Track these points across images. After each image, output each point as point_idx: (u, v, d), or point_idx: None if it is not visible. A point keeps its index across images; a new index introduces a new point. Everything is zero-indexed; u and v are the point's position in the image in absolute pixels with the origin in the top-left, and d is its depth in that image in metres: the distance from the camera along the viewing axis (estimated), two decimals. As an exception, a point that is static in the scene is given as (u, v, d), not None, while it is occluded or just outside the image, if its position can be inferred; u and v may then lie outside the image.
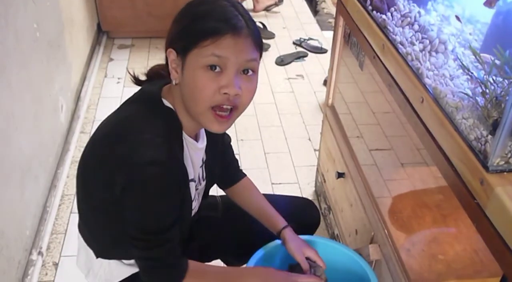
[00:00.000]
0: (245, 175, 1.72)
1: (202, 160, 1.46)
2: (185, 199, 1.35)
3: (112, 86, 3.63)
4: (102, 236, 1.43)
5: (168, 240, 1.28)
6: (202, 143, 1.42)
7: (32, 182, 2.29)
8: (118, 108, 1.34)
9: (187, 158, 1.33)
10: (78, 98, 3.33)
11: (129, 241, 1.29)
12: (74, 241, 2.33)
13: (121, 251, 1.42)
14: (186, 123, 1.30)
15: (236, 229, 1.70)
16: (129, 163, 1.18)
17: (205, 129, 1.42)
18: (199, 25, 1.18)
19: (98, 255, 1.45)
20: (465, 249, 1.67)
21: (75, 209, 2.50)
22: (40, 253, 2.23)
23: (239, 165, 1.75)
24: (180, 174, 1.26)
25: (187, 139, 1.32)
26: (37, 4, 2.50)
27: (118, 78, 3.72)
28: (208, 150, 1.47)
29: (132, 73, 1.41)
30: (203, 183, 1.51)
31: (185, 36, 1.20)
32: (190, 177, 1.35)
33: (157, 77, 1.39)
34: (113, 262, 1.44)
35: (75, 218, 2.47)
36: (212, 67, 1.18)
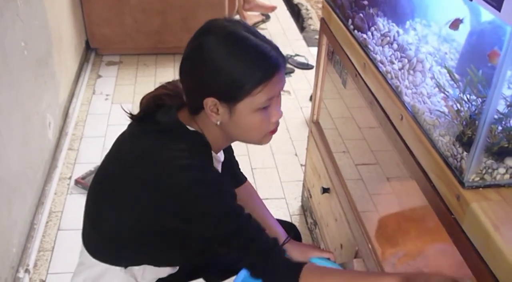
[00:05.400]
0: (246, 179, 1.76)
1: None
2: None
3: (100, 103, 3.65)
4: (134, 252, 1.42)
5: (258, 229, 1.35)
6: (222, 156, 1.50)
7: (19, 199, 2.29)
8: (133, 142, 1.35)
9: None
10: (66, 115, 3.34)
11: (230, 254, 1.34)
12: (61, 258, 2.35)
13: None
14: (214, 143, 1.35)
15: None
16: (178, 191, 1.22)
17: None
18: (246, 76, 1.20)
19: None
20: (450, 263, 1.69)
21: (63, 226, 2.52)
22: (27, 270, 2.24)
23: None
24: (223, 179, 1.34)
25: (214, 156, 1.37)
26: (25, 23, 2.52)
27: (106, 95, 3.74)
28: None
29: (127, 111, 1.40)
30: None
31: (233, 88, 1.21)
32: None
33: (154, 108, 1.38)
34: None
35: (62, 235, 2.48)
36: (264, 107, 1.26)
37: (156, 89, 1.41)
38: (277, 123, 1.33)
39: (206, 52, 1.21)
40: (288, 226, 1.85)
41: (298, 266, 1.34)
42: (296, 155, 3.20)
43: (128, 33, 4.17)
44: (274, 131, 1.34)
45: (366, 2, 1.65)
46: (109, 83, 3.92)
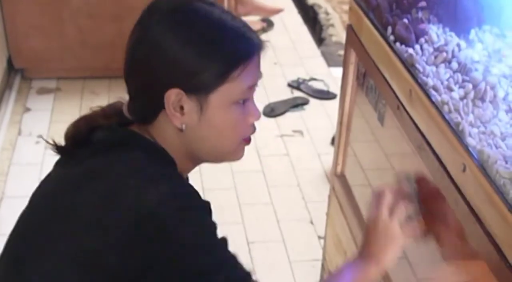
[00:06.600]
0: None
1: None
2: None
3: (29, 148, 3.66)
4: None
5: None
6: None
7: None
8: (63, 180, 1.41)
9: None
10: (-22, 166, 3.34)
11: None
12: None
13: None
14: (179, 166, 1.37)
15: None
16: (142, 213, 1.21)
17: None
18: (222, 54, 1.28)
19: None
20: None
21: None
22: None
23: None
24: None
25: None
26: None
27: (38, 137, 3.73)
28: None
29: (52, 141, 1.43)
30: None
31: (204, 72, 1.27)
32: None
33: (86, 133, 1.40)
34: None
35: None
36: (242, 100, 1.33)
37: (87, 113, 1.45)
38: (254, 128, 1.40)
39: (162, 28, 1.29)
40: None
41: None
42: (311, 222, 3.20)
43: (69, 48, 4.17)
44: (249, 140, 1.41)
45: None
46: (41, 119, 3.92)
